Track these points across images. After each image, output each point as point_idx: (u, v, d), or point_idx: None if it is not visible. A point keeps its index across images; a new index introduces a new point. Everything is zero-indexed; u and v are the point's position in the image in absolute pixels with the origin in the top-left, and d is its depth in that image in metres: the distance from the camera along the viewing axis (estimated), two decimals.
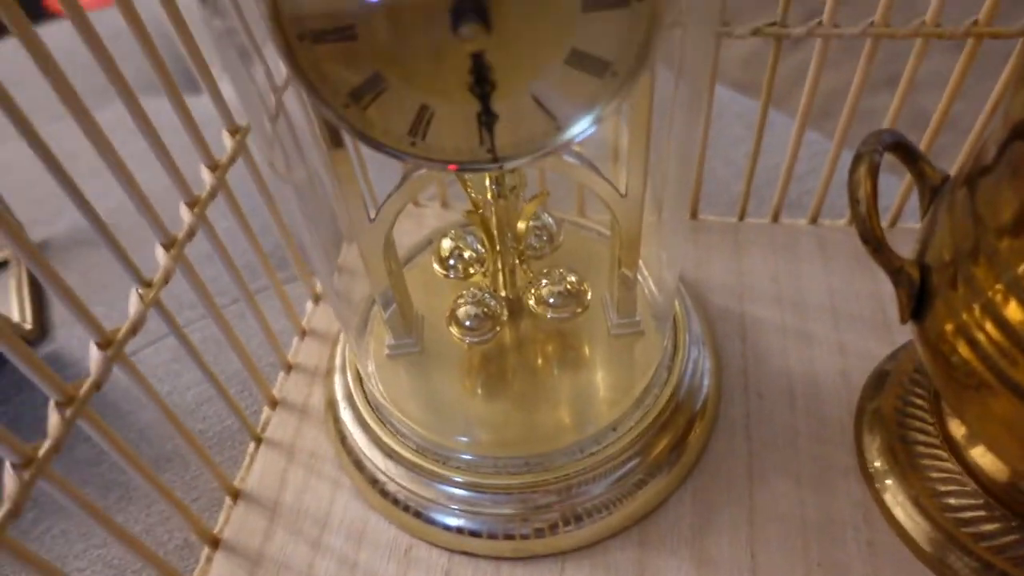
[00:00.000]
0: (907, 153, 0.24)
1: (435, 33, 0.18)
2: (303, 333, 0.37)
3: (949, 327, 0.22)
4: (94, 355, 0.23)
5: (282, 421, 0.34)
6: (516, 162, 0.22)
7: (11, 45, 0.19)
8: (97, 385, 0.22)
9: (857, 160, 0.23)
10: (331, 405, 0.33)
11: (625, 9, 0.19)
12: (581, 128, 0.22)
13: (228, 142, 0.29)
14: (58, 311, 0.43)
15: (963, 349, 0.22)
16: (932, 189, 0.25)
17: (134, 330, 0.24)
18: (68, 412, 0.21)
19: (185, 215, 0.27)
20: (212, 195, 0.28)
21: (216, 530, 0.30)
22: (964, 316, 0.22)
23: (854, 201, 0.23)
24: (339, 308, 0.29)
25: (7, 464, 0.20)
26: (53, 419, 0.21)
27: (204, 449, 0.29)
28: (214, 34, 0.21)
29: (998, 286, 0.20)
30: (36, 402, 0.39)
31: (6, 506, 0.19)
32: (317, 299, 0.39)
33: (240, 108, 0.29)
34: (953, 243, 0.22)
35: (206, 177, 0.28)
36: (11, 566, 0.20)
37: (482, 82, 0.20)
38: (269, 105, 0.23)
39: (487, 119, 0.21)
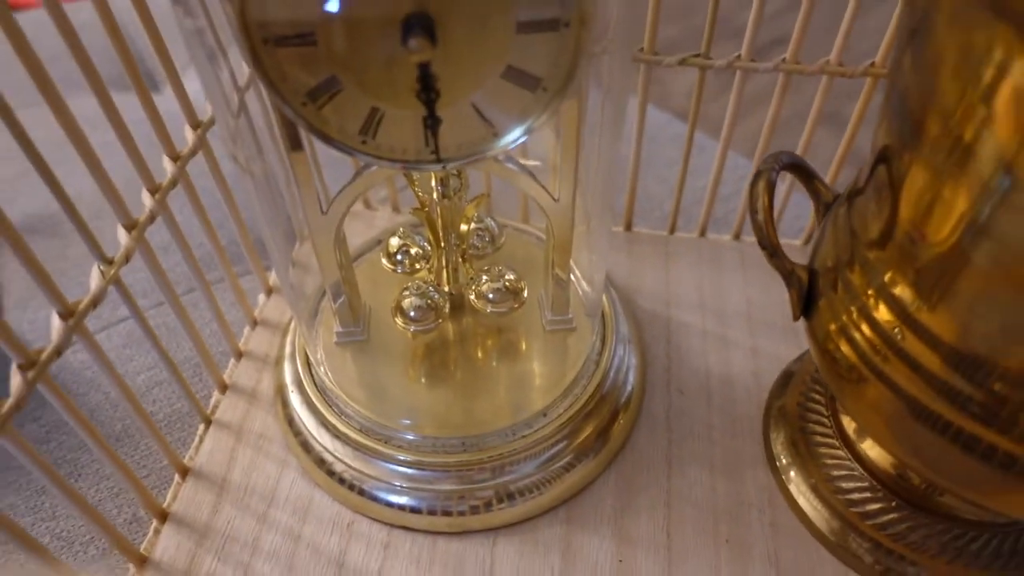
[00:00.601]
0: (802, 172, 0.28)
1: (387, 44, 0.21)
2: (255, 323, 0.39)
3: (832, 326, 0.26)
4: (56, 324, 0.24)
5: (232, 404, 0.36)
6: (457, 163, 0.25)
7: None
8: (58, 352, 0.24)
9: (757, 176, 0.26)
10: (280, 390, 0.35)
11: (555, 33, 0.22)
12: (515, 136, 0.24)
13: (190, 136, 0.31)
14: (11, 294, 0.44)
15: (844, 346, 0.25)
16: (825, 205, 0.28)
17: (94, 303, 0.25)
18: (30, 374, 0.23)
19: (147, 200, 0.28)
20: (173, 183, 0.30)
21: (165, 504, 0.32)
22: (843, 317, 0.25)
23: (753, 212, 0.26)
24: (292, 298, 0.31)
25: None
26: (16, 380, 0.23)
27: (156, 427, 0.31)
28: (184, 33, 0.23)
29: (870, 291, 0.24)
30: None
31: None
32: (269, 291, 0.41)
33: (200, 105, 0.31)
34: (835, 252, 0.25)
35: (168, 167, 0.30)
36: None
37: (428, 90, 0.22)
38: (233, 102, 0.25)
39: (432, 123, 0.23)
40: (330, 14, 0.20)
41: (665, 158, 0.50)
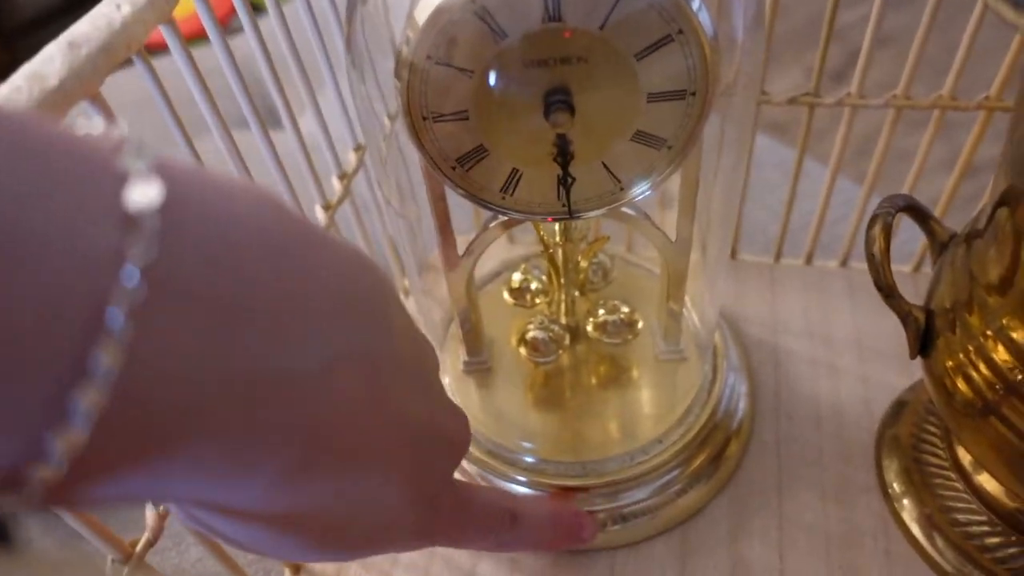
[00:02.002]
0: (918, 214, 0.28)
1: (531, 119, 0.24)
2: None
3: (950, 364, 0.26)
4: None
5: None
6: (586, 214, 0.27)
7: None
8: None
9: (873, 220, 0.27)
10: None
11: (680, 102, 0.24)
12: (641, 189, 0.26)
13: (337, 185, 0.35)
14: None
15: (961, 383, 0.26)
16: (941, 245, 0.29)
17: None
18: None
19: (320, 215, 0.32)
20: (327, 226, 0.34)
21: None
22: (961, 356, 0.26)
23: (870, 255, 0.27)
24: (427, 326, 0.35)
25: None
26: None
27: None
28: (356, 98, 0.27)
29: (988, 332, 0.24)
30: None
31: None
32: None
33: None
34: (953, 293, 0.26)
35: (319, 214, 0.34)
36: None
37: (564, 155, 0.25)
38: (392, 161, 0.29)
39: (565, 181, 0.26)
40: (484, 94, 0.23)
41: (769, 183, 0.50)
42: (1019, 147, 0.21)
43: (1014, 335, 0.23)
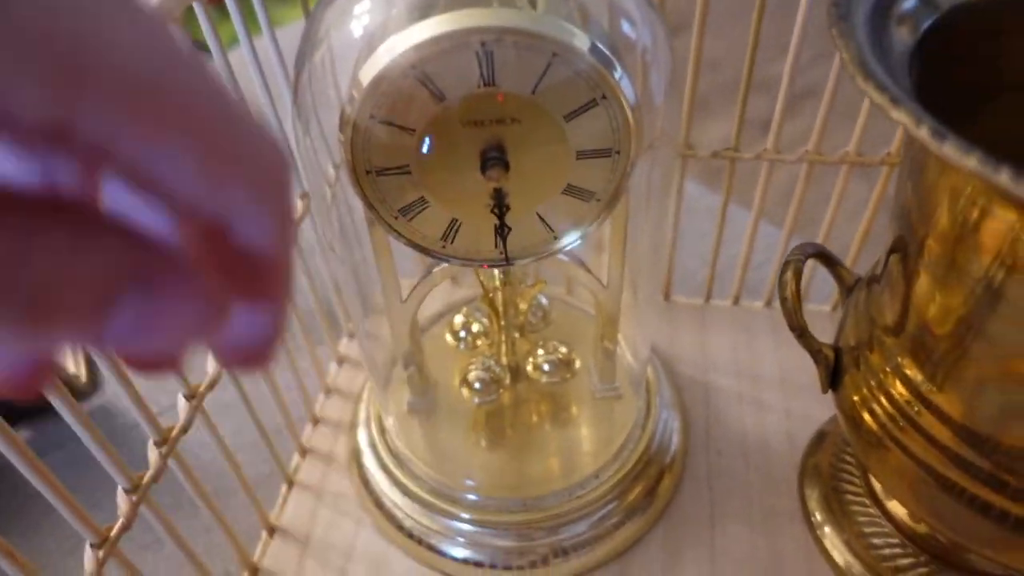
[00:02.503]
0: (826, 260, 0.31)
1: (468, 173, 0.25)
2: (327, 391, 0.43)
3: (856, 398, 0.29)
4: (182, 404, 0.28)
5: (311, 467, 0.39)
6: (522, 261, 0.29)
7: None
8: (184, 429, 0.28)
9: (785, 267, 0.30)
10: (355, 453, 0.39)
11: (607, 159, 0.26)
12: (573, 238, 0.28)
13: None
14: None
15: (867, 416, 0.28)
16: (847, 288, 0.31)
17: (211, 386, 0.30)
18: (163, 450, 0.27)
19: None
20: None
21: (255, 559, 0.35)
22: (865, 390, 0.28)
23: (783, 299, 0.30)
24: (371, 367, 0.35)
25: (119, 489, 0.26)
26: (152, 455, 0.27)
27: (251, 489, 0.34)
28: (300, 150, 0.28)
29: (887, 369, 0.27)
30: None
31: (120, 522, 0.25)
32: (340, 360, 0.45)
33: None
34: (856, 333, 0.29)
35: None
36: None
37: (500, 206, 0.27)
38: (336, 211, 0.30)
39: (502, 231, 0.28)
40: (424, 154, 0.25)
41: (700, 230, 0.53)
42: (901, 206, 0.24)
43: (908, 372, 0.26)
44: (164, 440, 0.27)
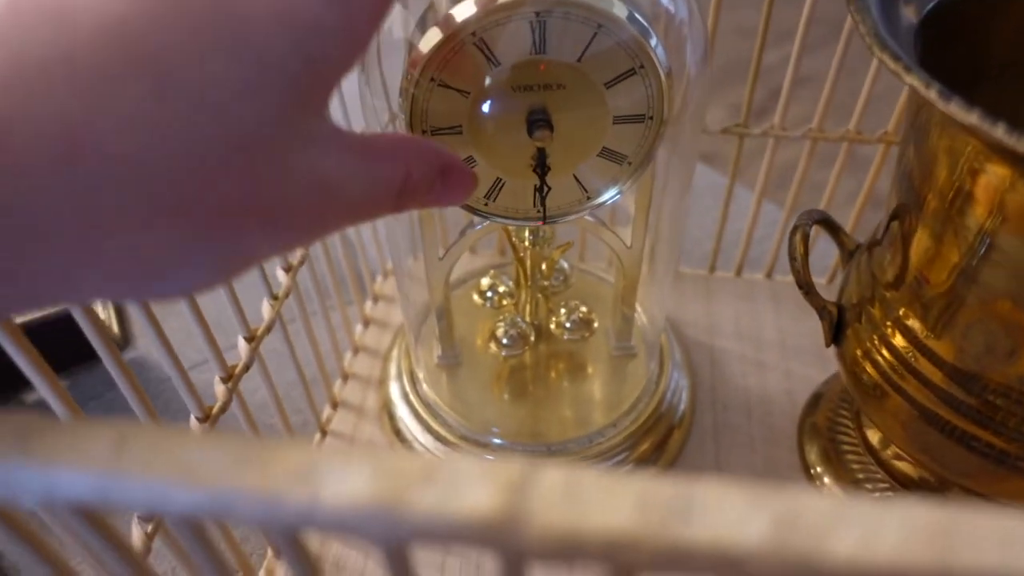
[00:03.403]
0: (830, 226, 0.34)
1: (515, 135, 0.28)
2: (355, 349, 0.46)
3: (858, 351, 0.32)
4: (242, 346, 0.31)
5: (342, 419, 0.42)
6: (558, 220, 0.32)
7: None
8: (247, 367, 0.30)
9: (794, 231, 0.32)
10: (387, 405, 0.41)
11: (640, 124, 0.28)
12: (606, 198, 0.31)
13: None
14: (138, 322, 0.50)
15: (868, 367, 0.31)
16: (849, 253, 0.34)
17: (268, 329, 0.32)
18: (229, 384, 0.29)
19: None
20: None
21: None
22: (867, 343, 0.31)
23: (792, 259, 0.32)
24: (408, 319, 0.38)
25: (192, 418, 0.28)
26: (219, 389, 0.29)
27: (295, 434, 0.37)
28: (365, 109, 0.30)
29: (888, 322, 0.30)
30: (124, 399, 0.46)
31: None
32: (367, 322, 0.47)
33: None
34: (859, 291, 0.31)
35: None
36: None
37: (542, 166, 0.29)
38: None
39: (542, 190, 0.30)
40: (476, 114, 0.27)
41: (703, 205, 0.56)
42: (903, 171, 0.27)
43: (907, 322, 0.29)
44: (229, 376, 0.29)
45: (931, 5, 0.26)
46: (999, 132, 0.17)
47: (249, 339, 0.31)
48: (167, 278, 0.16)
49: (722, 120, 0.42)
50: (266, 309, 0.33)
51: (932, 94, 0.19)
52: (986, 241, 0.23)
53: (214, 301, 0.29)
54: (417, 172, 0.20)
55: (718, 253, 0.49)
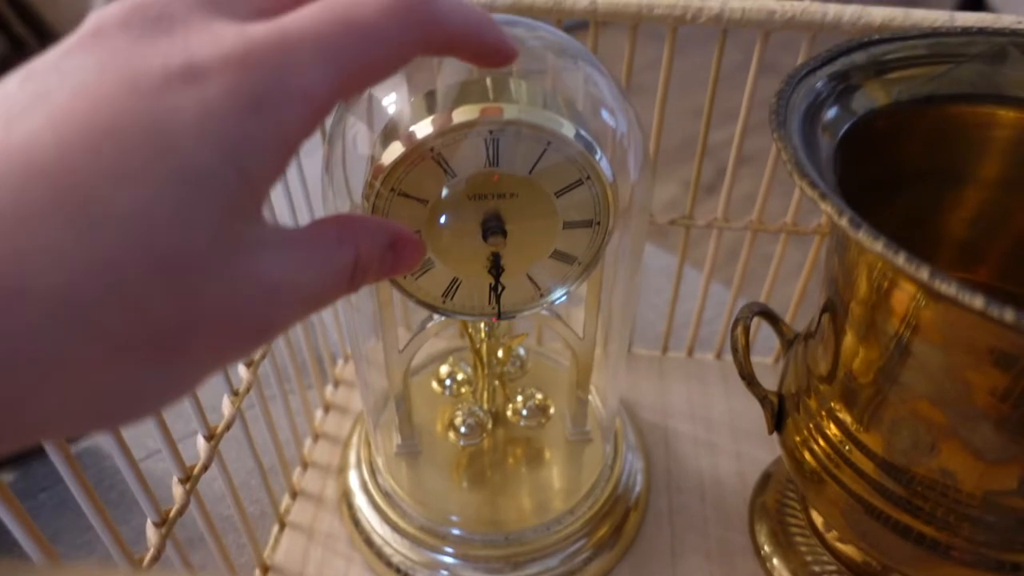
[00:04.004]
0: (770, 317, 0.36)
1: (472, 240, 0.29)
2: (316, 436, 0.46)
3: (797, 439, 0.33)
4: (202, 444, 0.31)
5: (301, 509, 0.42)
6: (512, 316, 0.33)
7: None
8: (205, 467, 0.31)
9: (735, 324, 0.34)
10: (346, 494, 0.41)
11: (589, 228, 0.30)
12: (558, 295, 0.33)
13: None
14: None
15: (807, 455, 0.33)
16: (788, 342, 0.36)
17: (228, 427, 0.32)
18: (187, 486, 0.29)
19: None
20: None
21: None
22: (805, 432, 0.33)
23: (734, 351, 0.34)
24: (368, 409, 0.38)
25: (148, 522, 0.28)
26: (177, 491, 0.29)
27: (252, 527, 0.37)
28: (327, 206, 0.31)
29: (823, 413, 0.31)
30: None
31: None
32: (327, 407, 0.47)
33: None
34: (796, 381, 0.33)
35: None
36: None
37: (496, 268, 0.31)
38: None
39: (497, 289, 0.32)
40: (433, 220, 0.29)
41: (655, 286, 0.59)
42: (829, 274, 0.29)
43: (839, 415, 0.30)
44: (187, 477, 0.30)
45: (847, 125, 0.29)
46: (900, 261, 0.20)
47: (208, 437, 0.31)
48: (120, 407, 0.16)
49: (675, 195, 0.44)
50: (226, 406, 0.33)
51: (844, 222, 0.21)
52: (903, 348, 0.25)
53: None
54: (366, 250, 0.20)
55: (670, 334, 0.51)
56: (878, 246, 0.20)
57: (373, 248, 0.20)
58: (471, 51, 0.20)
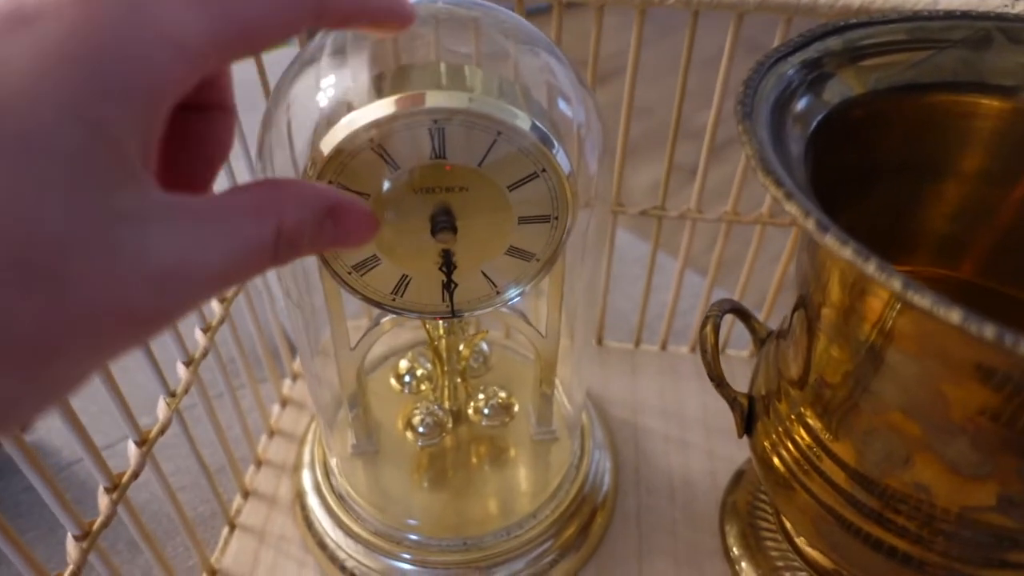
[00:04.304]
0: (741, 314, 0.34)
1: (419, 235, 0.27)
2: (271, 432, 0.44)
3: (767, 443, 0.32)
4: (133, 451, 0.29)
5: (253, 509, 0.40)
6: (467, 314, 0.31)
7: None
8: (135, 475, 0.29)
9: (705, 321, 0.33)
10: (299, 495, 0.39)
11: (546, 224, 0.28)
12: (514, 294, 0.31)
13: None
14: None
15: (776, 460, 0.31)
16: (760, 340, 0.35)
17: (162, 431, 0.30)
18: (114, 496, 0.28)
19: (199, 337, 0.34)
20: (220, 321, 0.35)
21: None
22: (774, 436, 0.31)
23: (703, 351, 0.33)
24: (319, 409, 0.37)
25: (69, 536, 0.26)
26: (104, 501, 0.27)
27: (194, 531, 0.35)
28: None
29: (792, 417, 0.30)
30: (16, 487, 0.43)
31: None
32: (284, 402, 0.46)
33: None
34: (766, 383, 0.32)
35: (215, 306, 0.36)
36: None
37: (448, 265, 0.29)
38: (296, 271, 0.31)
39: (449, 287, 0.30)
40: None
41: (631, 276, 0.57)
42: (801, 274, 0.27)
43: (810, 421, 0.29)
44: (115, 486, 0.28)
45: (821, 116, 0.27)
46: (871, 268, 0.18)
47: (140, 443, 0.29)
48: None
49: (653, 183, 0.42)
50: (161, 408, 0.31)
51: (810, 224, 0.19)
52: (875, 355, 0.23)
53: (94, 396, 0.27)
54: (293, 221, 0.17)
55: (643, 327, 0.49)
56: (847, 252, 0.18)
57: (303, 218, 0.18)
58: (367, 18, 0.18)
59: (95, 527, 0.26)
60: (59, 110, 0.13)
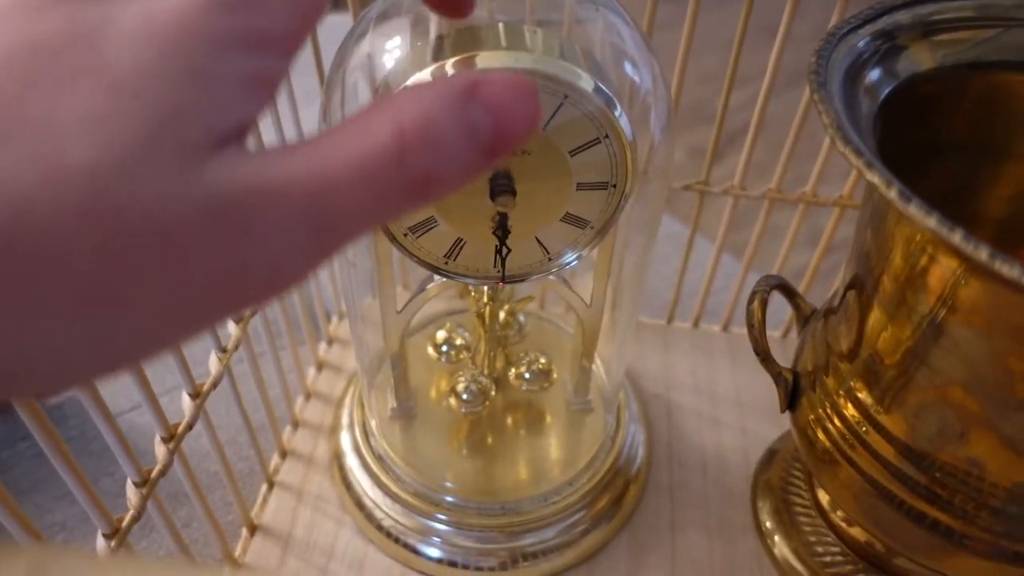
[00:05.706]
0: (787, 291, 0.34)
1: (479, 199, 0.27)
2: (307, 395, 0.44)
3: (811, 417, 0.32)
4: (187, 403, 0.29)
5: (291, 468, 0.41)
6: (517, 280, 0.31)
7: None
8: (190, 426, 0.29)
9: (752, 297, 0.33)
10: (337, 455, 0.40)
11: (604, 191, 0.28)
12: (567, 261, 0.31)
13: None
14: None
15: (820, 435, 0.31)
16: (805, 318, 0.35)
17: (215, 385, 0.31)
18: (170, 445, 0.28)
19: None
20: None
21: (236, 555, 0.36)
22: (820, 411, 0.31)
23: (749, 325, 0.33)
24: (363, 369, 0.37)
25: (129, 482, 0.27)
26: (160, 450, 0.28)
27: (239, 487, 0.35)
28: None
29: (840, 392, 0.30)
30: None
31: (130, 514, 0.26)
32: (320, 365, 0.46)
33: None
34: (813, 359, 0.32)
35: None
36: None
37: (503, 229, 0.29)
38: None
39: (502, 252, 0.30)
40: None
41: (663, 254, 0.57)
42: (860, 248, 0.27)
43: (860, 395, 0.29)
44: (171, 436, 0.28)
45: (889, 89, 0.27)
46: (956, 239, 0.18)
47: (194, 395, 0.30)
48: (33, 375, 0.12)
49: (681, 162, 0.42)
50: (213, 363, 0.31)
51: (892, 193, 0.19)
52: (937, 328, 0.23)
53: None
54: (415, 112, 0.13)
55: (677, 304, 0.49)
56: (931, 222, 0.18)
57: (431, 107, 0.13)
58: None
59: (153, 475, 0.27)
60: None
